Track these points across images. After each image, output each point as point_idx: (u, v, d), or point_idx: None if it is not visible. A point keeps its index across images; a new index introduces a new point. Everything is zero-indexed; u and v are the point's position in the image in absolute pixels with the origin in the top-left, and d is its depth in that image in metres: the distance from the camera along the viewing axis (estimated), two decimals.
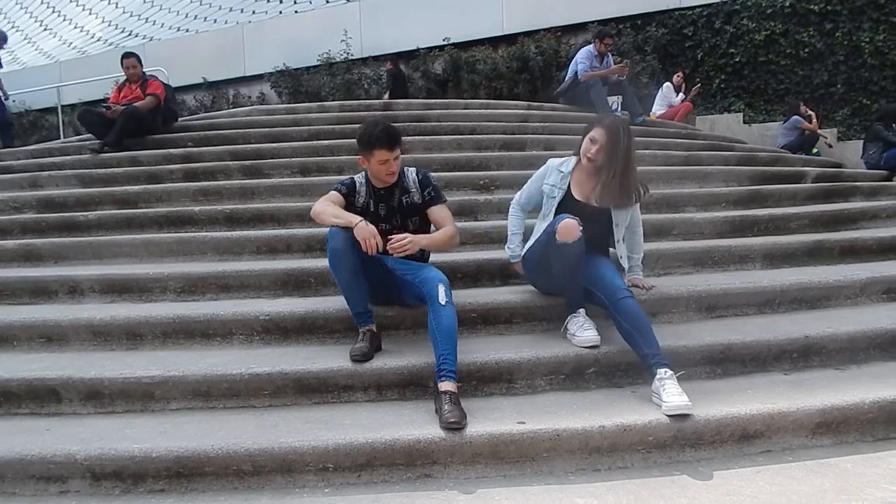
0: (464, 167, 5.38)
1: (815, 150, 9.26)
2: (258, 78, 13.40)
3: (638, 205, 3.28)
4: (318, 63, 12.70)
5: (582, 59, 7.51)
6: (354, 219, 2.91)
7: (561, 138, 6.21)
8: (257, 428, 2.53)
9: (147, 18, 16.27)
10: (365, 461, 2.41)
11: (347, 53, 12.39)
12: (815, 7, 9.90)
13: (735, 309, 3.45)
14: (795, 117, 9.10)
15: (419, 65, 11.91)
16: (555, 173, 3.27)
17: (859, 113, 9.82)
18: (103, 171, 5.73)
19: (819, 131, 9.15)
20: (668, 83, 9.77)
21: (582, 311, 3.07)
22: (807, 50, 10.02)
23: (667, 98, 9.66)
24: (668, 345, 2.88)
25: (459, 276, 3.65)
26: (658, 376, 2.62)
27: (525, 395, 2.85)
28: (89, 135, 6.93)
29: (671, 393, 2.54)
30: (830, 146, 9.31)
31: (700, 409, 2.54)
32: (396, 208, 3.20)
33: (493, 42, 11.96)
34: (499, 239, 4.16)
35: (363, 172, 3.25)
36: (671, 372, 2.61)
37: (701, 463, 2.48)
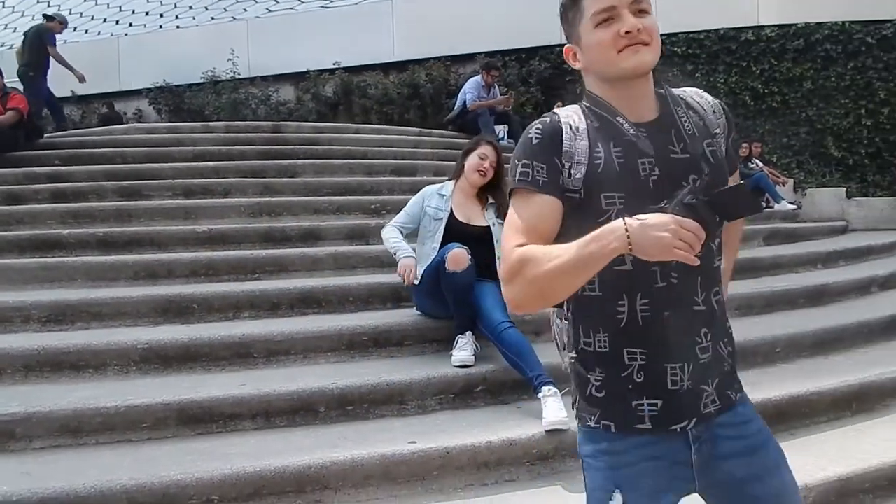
0: (355, 191, 5.41)
1: None
2: (136, 94, 12.76)
3: None
4: (203, 81, 12.29)
5: (470, 89, 7.78)
6: None
7: (451, 164, 6.34)
8: (135, 462, 2.41)
9: (7, 25, 15.09)
10: (253, 490, 2.35)
11: (234, 72, 12.08)
12: (678, 50, 10.79)
13: None
14: None
15: (309, 87, 11.82)
16: (435, 197, 3.37)
17: None
18: None
19: None
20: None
21: (469, 332, 3.17)
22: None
23: None
24: (551, 363, 3.01)
25: (351, 300, 3.66)
26: (541, 394, 2.74)
27: (416, 416, 2.89)
28: None
29: (551, 410, 2.66)
30: None
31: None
32: None
33: (385, 68, 12.09)
34: (389, 263, 4.19)
35: None
36: (555, 389, 2.74)
37: (581, 473, 2.61)
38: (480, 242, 3.23)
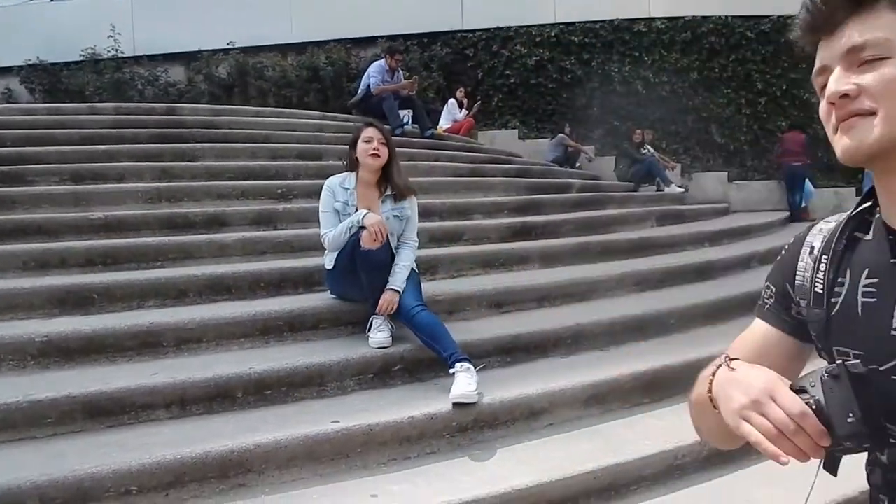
0: (259, 176, 5.32)
1: (578, 165, 10.52)
2: (4, 71, 11.81)
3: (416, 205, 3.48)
4: (82, 59, 11.55)
5: (374, 73, 7.78)
6: None
7: None
8: (44, 458, 2.32)
9: None
10: (173, 479, 2.33)
11: (117, 50, 11.42)
12: (576, 39, 11.27)
13: (519, 304, 3.88)
14: (561, 135, 10.26)
15: (201, 68, 11.40)
16: (340, 191, 3.37)
17: (611, 133, 11.33)
18: None
19: (581, 147, 10.43)
20: (452, 99, 10.45)
21: None
22: (569, 76, 11.34)
23: (452, 113, 10.32)
24: (465, 339, 3.16)
25: (262, 286, 3.64)
26: (453, 370, 2.86)
27: (336, 397, 2.94)
28: None
29: (459, 385, 2.77)
30: (590, 160, 10.61)
31: (495, 392, 2.84)
32: None
33: (282, 49, 11.84)
34: (300, 248, 4.21)
35: None
36: (467, 365, 2.87)
37: (498, 441, 2.78)
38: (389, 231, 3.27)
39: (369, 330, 3.20)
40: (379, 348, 3.08)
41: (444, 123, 10.20)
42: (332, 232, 3.25)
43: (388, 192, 3.37)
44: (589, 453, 2.60)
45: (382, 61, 7.98)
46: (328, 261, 3.36)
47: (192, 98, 10.68)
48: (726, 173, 10.66)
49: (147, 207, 4.43)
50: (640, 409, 3.10)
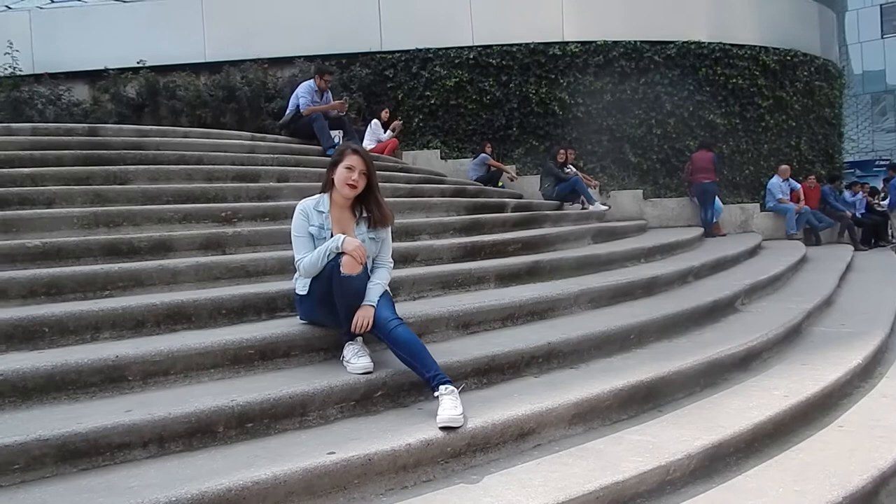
0: (199, 199, 5.13)
1: (500, 184, 10.78)
2: None
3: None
4: None
5: (303, 94, 7.71)
6: None
7: (292, 170, 6.30)
8: None
9: None
10: None
11: (14, 67, 10.67)
12: (493, 61, 11.57)
13: (485, 324, 3.94)
14: (483, 155, 10.50)
15: (108, 87, 10.84)
16: (315, 214, 3.32)
17: (531, 152, 11.68)
18: None
19: (503, 167, 10.70)
20: (375, 120, 10.48)
21: (359, 339, 3.21)
22: (488, 97, 11.62)
23: (376, 134, 10.35)
24: (443, 361, 3.15)
25: (224, 313, 3.52)
26: (437, 393, 2.87)
27: (320, 427, 2.88)
28: None
29: (445, 408, 2.78)
30: (512, 180, 10.89)
31: (484, 416, 2.87)
32: None
33: (195, 68, 11.46)
34: (255, 272, 4.11)
35: None
36: (451, 388, 2.88)
37: (491, 465, 2.80)
38: None
39: (345, 356, 3.16)
40: (363, 374, 3.03)
41: (367, 144, 10.19)
42: (307, 257, 3.19)
43: (363, 214, 3.35)
44: (587, 473, 2.66)
45: (311, 81, 7.92)
46: (300, 286, 3.30)
47: (97, 118, 10.11)
48: (641, 191, 11.27)
49: (85, 233, 4.18)
50: (619, 425, 3.21)
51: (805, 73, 12.95)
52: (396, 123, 10.54)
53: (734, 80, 11.92)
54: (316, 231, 3.27)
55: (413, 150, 11.22)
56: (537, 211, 7.41)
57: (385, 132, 10.38)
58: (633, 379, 3.34)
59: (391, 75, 11.72)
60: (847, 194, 13.28)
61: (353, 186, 3.25)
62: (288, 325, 3.40)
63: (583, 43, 11.60)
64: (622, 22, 11.76)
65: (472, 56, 11.57)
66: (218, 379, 3.09)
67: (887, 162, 24.03)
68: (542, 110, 11.63)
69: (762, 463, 3.05)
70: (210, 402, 2.71)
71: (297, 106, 7.72)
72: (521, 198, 8.85)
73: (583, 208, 9.19)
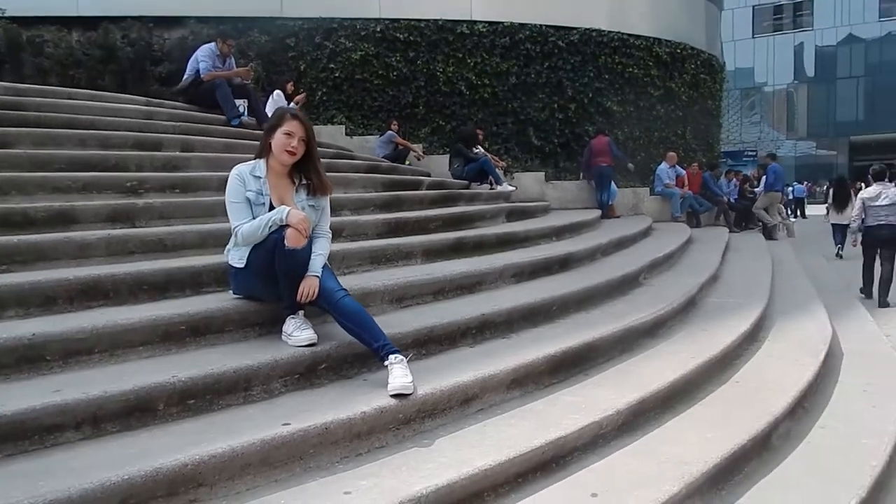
0: (97, 167, 4.80)
1: (407, 162, 10.81)
2: None
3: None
4: None
5: (204, 57, 7.35)
6: None
7: (197, 139, 6.05)
8: None
9: None
10: (117, 502, 2.12)
11: None
12: (401, 36, 11.54)
13: (418, 298, 4.00)
14: (389, 132, 10.49)
15: None
16: (251, 179, 3.22)
17: (437, 132, 11.81)
18: None
19: (410, 145, 10.73)
20: (278, 91, 10.15)
21: (301, 312, 3.19)
22: (395, 73, 11.59)
23: (278, 105, 10.03)
24: (387, 333, 3.20)
25: (146, 289, 3.35)
26: (388, 362, 2.91)
27: (265, 401, 2.84)
28: None
29: (396, 376, 2.84)
30: (419, 159, 10.96)
31: (431, 383, 2.94)
32: None
33: (66, 23, 10.59)
34: (174, 247, 3.93)
35: None
36: (401, 357, 2.93)
37: (439, 429, 2.88)
38: None
39: (287, 330, 3.12)
40: (308, 346, 3.01)
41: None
42: (247, 225, 3.11)
43: (302, 181, 3.29)
44: (531, 431, 2.82)
45: (213, 44, 7.56)
46: (236, 259, 3.20)
47: None
48: (543, 173, 11.68)
49: None
50: (552, 388, 3.40)
51: (692, 66, 13.89)
52: (300, 97, 10.27)
53: (630, 69, 12.59)
54: (253, 196, 3.18)
55: (317, 124, 10.96)
56: (451, 189, 7.53)
57: (288, 104, 10.09)
58: (563, 346, 3.55)
59: (292, 44, 11.41)
60: (723, 182, 14.42)
61: (291, 153, 3.17)
62: (219, 300, 3.30)
63: (490, 23, 11.81)
64: (529, 5, 12.06)
65: (378, 29, 11.47)
66: (147, 357, 2.95)
67: (754, 152, 26.19)
68: (449, 89, 11.75)
69: (678, 416, 3.37)
70: (149, 378, 2.60)
71: (197, 70, 7.35)
72: (428, 175, 8.93)
73: (491, 188, 9.40)
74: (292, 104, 10.11)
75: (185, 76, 7.58)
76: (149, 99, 7.34)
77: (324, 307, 3.10)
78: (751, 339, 4.65)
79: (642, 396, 3.26)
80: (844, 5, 45.35)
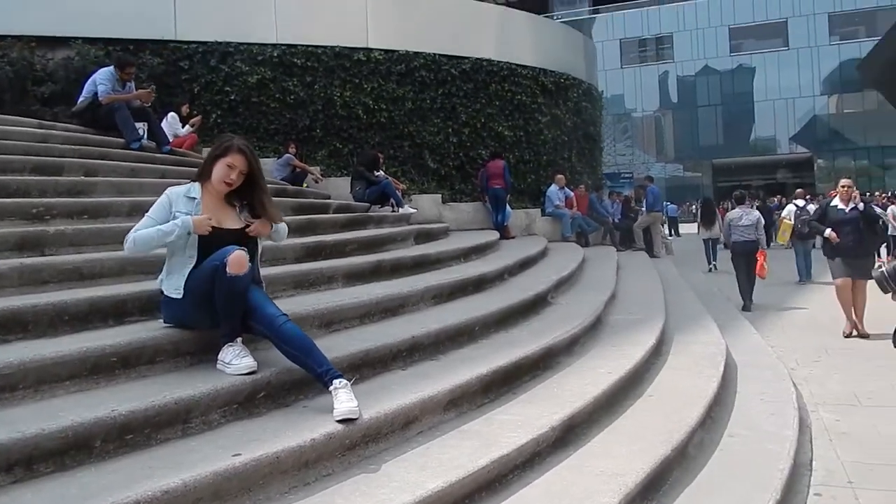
0: None
1: (305, 185, 10.69)
2: None
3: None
4: None
5: (102, 80, 7.00)
6: None
7: (100, 164, 5.76)
8: None
9: None
10: None
11: None
12: (298, 61, 11.43)
13: (346, 322, 4.01)
14: (287, 155, 10.35)
15: None
16: (183, 201, 3.22)
17: (334, 154, 11.74)
18: None
19: (308, 168, 10.63)
20: (172, 113, 9.80)
21: (239, 339, 3.13)
22: (292, 97, 11.45)
23: (173, 128, 9.66)
24: (334, 356, 3.20)
25: (67, 319, 3.17)
26: (332, 387, 2.92)
27: (205, 433, 2.76)
28: None
29: (341, 401, 2.85)
30: (317, 181, 10.86)
31: (374, 407, 2.97)
32: None
33: None
34: (91, 275, 3.74)
35: None
36: (345, 381, 2.95)
37: (383, 453, 2.91)
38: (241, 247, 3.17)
39: (225, 358, 3.05)
40: (248, 374, 2.96)
41: None
42: (143, 231, 3.11)
43: (243, 203, 3.28)
44: (474, 450, 2.89)
45: (112, 67, 7.21)
46: (173, 289, 3.12)
47: None
48: (440, 196, 11.91)
49: None
50: (485, 407, 3.51)
51: (575, 95, 14.69)
52: (196, 119, 9.96)
53: (519, 97, 13.14)
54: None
55: (211, 147, 10.65)
56: (358, 213, 7.55)
57: (184, 127, 9.75)
58: (493, 365, 3.67)
59: (186, 66, 11.01)
60: (607, 202, 15.32)
61: (228, 185, 3.19)
62: (147, 329, 3.19)
63: (386, 51, 11.95)
64: (423, 35, 12.34)
65: (276, 54, 11.31)
66: (75, 392, 2.80)
67: (630, 174, 27.96)
68: (347, 113, 11.75)
69: (604, 430, 3.56)
70: (89, 413, 2.48)
71: (95, 93, 6.97)
72: (328, 198, 8.89)
73: (393, 211, 9.49)
74: (187, 127, 9.82)
75: (82, 98, 7.18)
76: (41, 122, 6.88)
77: (264, 333, 3.06)
78: (656, 353, 4.97)
79: (572, 413, 3.42)
80: (700, 40, 49.59)
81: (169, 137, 9.47)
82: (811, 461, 3.84)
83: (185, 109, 9.89)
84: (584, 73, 15.70)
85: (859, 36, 45.14)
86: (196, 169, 6.93)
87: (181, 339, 3.17)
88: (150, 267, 3.87)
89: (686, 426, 3.60)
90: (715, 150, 49.64)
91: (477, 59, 12.66)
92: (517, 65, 13.25)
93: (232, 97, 11.19)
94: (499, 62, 12.95)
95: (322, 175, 11.05)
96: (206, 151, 9.99)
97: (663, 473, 3.17)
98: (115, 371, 2.94)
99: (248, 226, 3.26)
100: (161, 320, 3.26)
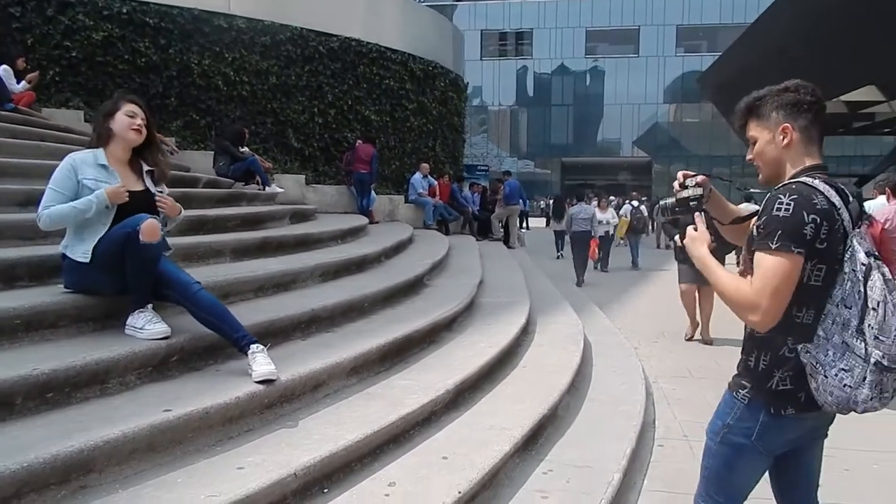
0: None
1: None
2: None
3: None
4: None
5: None
6: None
7: None
8: None
9: None
10: (13, 492, 2.17)
11: None
12: (151, 20, 11.01)
13: (242, 295, 4.24)
14: None
15: None
16: (91, 167, 3.29)
17: (191, 126, 11.47)
18: None
19: (162, 138, 10.32)
20: (5, 66, 9.12)
21: (150, 306, 3.29)
22: (143, 59, 11.02)
23: (7, 83, 9.03)
24: (247, 323, 3.44)
25: None
26: (250, 351, 3.19)
27: (123, 393, 2.94)
28: None
29: (261, 363, 3.14)
30: (172, 153, 10.57)
31: (288, 371, 3.29)
32: None
33: None
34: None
35: None
36: (261, 346, 3.24)
37: (298, 412, 3.24)
38: (142, 209, 3.28)
39: (136, 324, 3.20)
40: (163, 338, 3.15)
41: None
42: (55, 207, 3.16)
43: (146, 169, 3.41)
44: (383, 409, 3.31)
45: None
46: (80, 254, 3.20)
47: None
48: (304, 176, 12.03)
49: None
50: (381, 375, 3.92)
51: (442, 84, 15.34)
52: (33, 75, 9.33)
53: (387, 81, 13.55)
54: (92, 184, 3.22)
55: (48, 106, 10.03)
56: (227, 189, 7.59)
57: (19, 83, 9.12)
58: (390, 337, 4.10)
59: (17, 14, 10.25)
60: (468, 193, 16.16)
61: (138, 131, 3.30)
62: (49, 294, 3.26)
63: (249, 19, 11.82)
64: (290, 6, 12.34)
65: (125, 10, 10.83)
66: None
67: (486, 167, 29.29)
68: (205, 83, 11.51)
69: (488, 394, 4.12)
70: (9, 372, 2.59)
71: None
72: (188, 171, 8.78)
73: (259, 189, 9.53)
74: (23, 83, 9.21)
75: None
76: None
77: (177, 300, 3.26)
78: (525, 332, 5.63)
79: (462, 378, 3.93)
80: (558, 39, 52.71)
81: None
82: (654, 420, 4.66)
83: (20, 63, 9.25)
84: (452, 62, 16.41)
85: (702, 50, 50.11)
86: (43, 129, 6.71)
87: (85, 305, 3.27)
88: (29, 232, 3.88)
89: (557, 391, 4.24)
90: (565, 149, 53.18)
91: (346, 38, 12.89)
92: (386, 48, 13.63)
93: (73, 54, 10.57)
94: (368, 43, 13.25)
95: (178, 146, 10.78)
96: (48, 112, 9.55)
97: (541, 429, 3.78)
98: (17, 334, 3.02)
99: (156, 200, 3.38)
100: (61, 286, 3.33)
